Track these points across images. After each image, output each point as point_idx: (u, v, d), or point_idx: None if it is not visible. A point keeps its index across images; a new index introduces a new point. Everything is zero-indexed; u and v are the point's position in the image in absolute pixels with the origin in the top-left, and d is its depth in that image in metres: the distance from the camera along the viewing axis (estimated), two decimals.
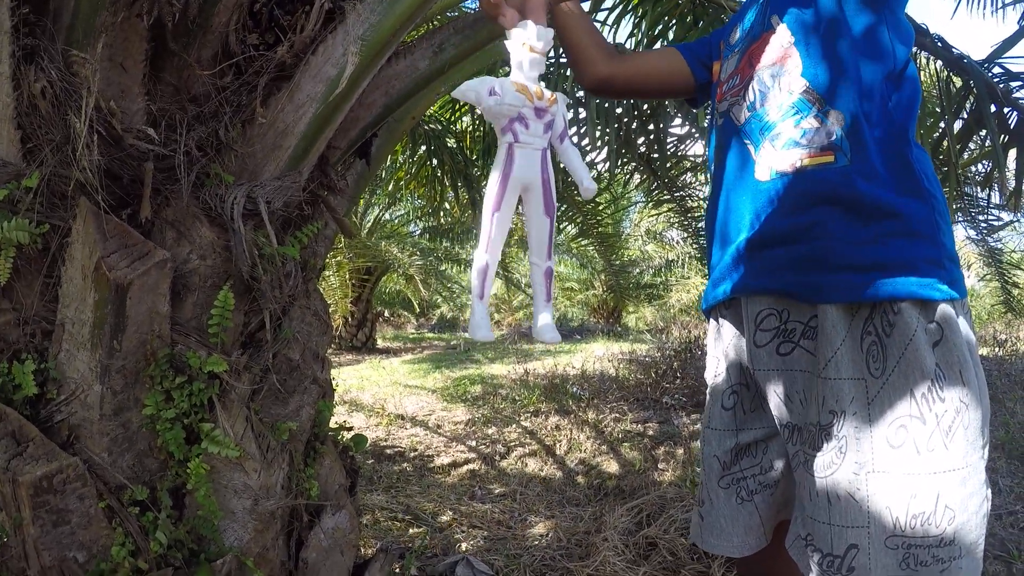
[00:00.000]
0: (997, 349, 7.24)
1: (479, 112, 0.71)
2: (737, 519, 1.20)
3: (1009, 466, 3.45)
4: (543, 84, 0.75)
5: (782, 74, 1.09)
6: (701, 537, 1.26)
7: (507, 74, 0.77)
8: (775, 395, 1.10)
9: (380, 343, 12.46)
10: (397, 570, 2.22)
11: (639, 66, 1.43)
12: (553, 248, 0.78)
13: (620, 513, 2.82)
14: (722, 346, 1.25)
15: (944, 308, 0.98)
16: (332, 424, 1.79)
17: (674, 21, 3.17)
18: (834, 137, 1.03)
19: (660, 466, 3.73)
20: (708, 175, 1.31)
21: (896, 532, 0.94)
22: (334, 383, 1.79)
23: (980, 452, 0.98)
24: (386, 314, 18.13)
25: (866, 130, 1.02)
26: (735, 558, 1.26)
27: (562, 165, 0.93)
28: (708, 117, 1.33)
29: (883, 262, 0.98)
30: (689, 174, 5.10)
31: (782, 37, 1.10)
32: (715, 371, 1.26)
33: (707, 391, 1.29)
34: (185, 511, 1.34)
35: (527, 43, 0.71)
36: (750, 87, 1.14)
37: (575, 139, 3.75)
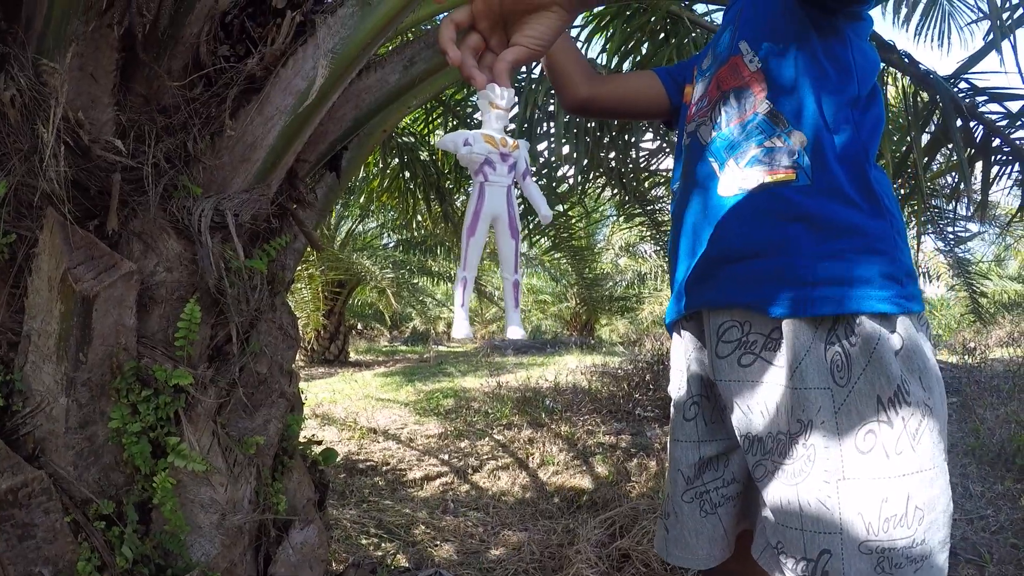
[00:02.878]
0: (966, 357, 7.34)
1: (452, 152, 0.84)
2: (702, 532, 1.21)
3: (980, 471, 3.51)
4: (508, 134, 0.90)
5: (748, 96, 1.12)
6: (667, 550, 1.27)
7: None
8: (737, 406, 1.12)
9: (352, 356, 12.38)
10: None
11: (617, 88, 1.47)
12: (519, 263, 0.92)
13: (593, 525, 2.83)
14: (684, 359, 1.27)
15: (903, 320, 1.01)
16: (301, 438, 1.78)
17: (646, 38, 3.21)
18: (796, 156, 1.06)
19: (633, 478, 3.75)
20: (672, 193, 1.34)
21: (870, 537, 0.96)
22: (305, 396, 1.78)
23: (944, 454, 1.01)
24: (359, 327, 18.05)
25: (829, 150, 1.05)
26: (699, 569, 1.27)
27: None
28: (677, 138, 1.36)
29: (845, 277, 1.01)
30: (660, 188, 5.16)
31: (749, 61, 1.14)
32: (678, 384, 1.29)
33: (671, 404, 1.31)
34: (151, 526, 1.33)
35: (492, 102, 0.86)
36: (717, 108, 1.17)
37: (546, 154, 3.99)
